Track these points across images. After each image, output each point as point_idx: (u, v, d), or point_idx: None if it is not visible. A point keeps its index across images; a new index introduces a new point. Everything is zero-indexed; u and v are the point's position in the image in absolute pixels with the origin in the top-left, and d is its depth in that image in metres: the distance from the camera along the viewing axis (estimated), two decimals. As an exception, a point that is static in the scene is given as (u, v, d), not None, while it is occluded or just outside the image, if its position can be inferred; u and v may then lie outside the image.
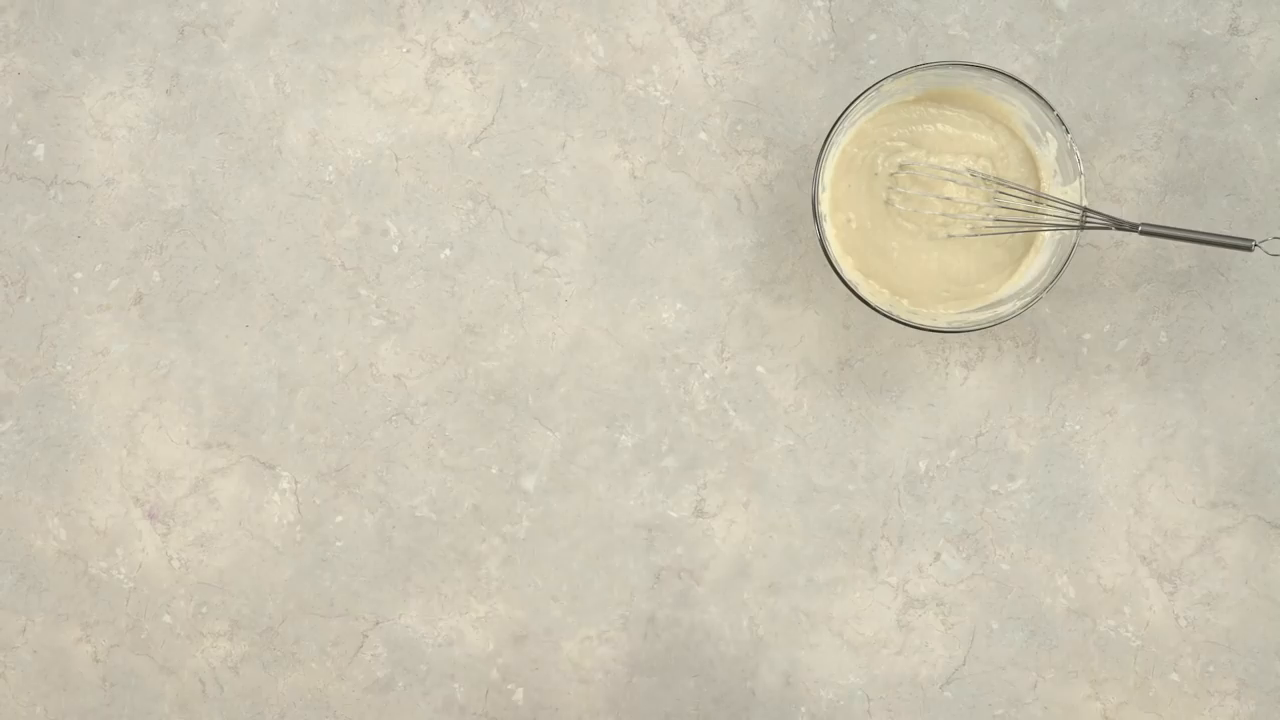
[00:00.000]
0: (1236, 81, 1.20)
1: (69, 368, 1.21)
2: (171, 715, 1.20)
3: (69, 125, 1.21)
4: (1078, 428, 1.20)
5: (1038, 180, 1.15)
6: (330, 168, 1.21)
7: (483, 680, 1.20)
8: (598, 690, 1.20)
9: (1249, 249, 1.13)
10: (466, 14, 1.21)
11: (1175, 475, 1.19)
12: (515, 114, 1.20)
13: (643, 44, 1.21)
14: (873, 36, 1.20)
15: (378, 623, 1.20)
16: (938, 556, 1.20)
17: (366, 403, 1.20)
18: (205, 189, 1.21)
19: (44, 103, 1.21)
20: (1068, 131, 1.11)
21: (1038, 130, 1.13)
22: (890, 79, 1.11)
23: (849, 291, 1.10)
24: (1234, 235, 1.15)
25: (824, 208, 1.13)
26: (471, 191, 1.20)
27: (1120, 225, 1.12)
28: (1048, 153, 1.14)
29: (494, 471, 1.20)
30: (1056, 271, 1.10)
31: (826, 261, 1.13)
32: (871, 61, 1.20)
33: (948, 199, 1.14)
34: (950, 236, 1.14)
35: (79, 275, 1.21)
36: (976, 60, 1.20)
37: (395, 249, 1.20)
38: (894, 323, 1.16)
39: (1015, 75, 1.14)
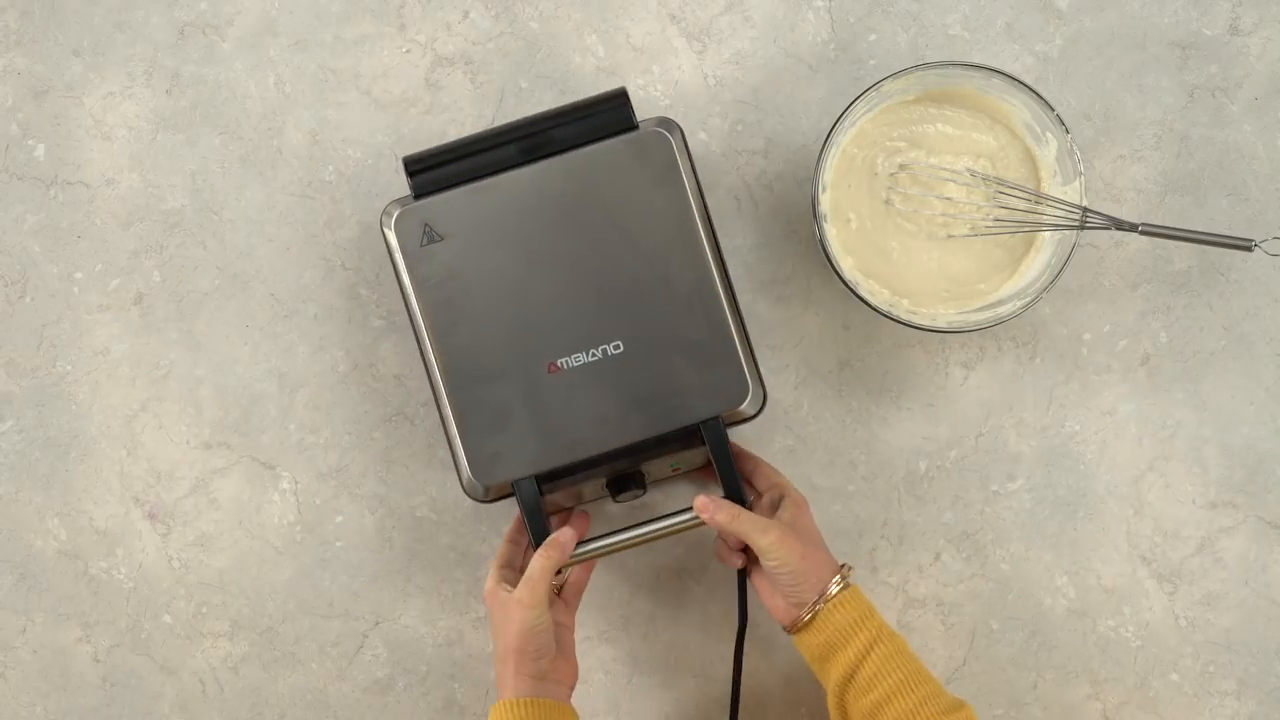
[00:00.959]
0: (1236, 81, 1.20)
1: (69, 368, 1.21)
2: (171, 715, 1.20)
3: (69, 125, 1.21)
4: (1078, 428, 1.20)
5: (1038, 180, 1.15)
6: (330, 168, 1.21)
7: (483, 680, 1.20)
8: (598, 690, 1.20)
9: (1249, 249, 1.13)
10: (466, 14, 1.21)
11: (1175, 475, 1.19)
12: (515, 114, 1.20)
13: (643, 44, 1.21)
14: (873, 36, 1.20)
15: (378, 623, 1.20)
16: (938, 556, 1.20)
17: (366, 403, 1.20)
18: (205, 189, 1.21)
19: (44, 103, 1.21)
20: (1068, 131, 1.11)
21: (1038, 130, 1.13)
22: (890, 79, 1.11)
23: (849, 291, 1.10)
24: (1234, 235, 1.15)
25: (824, 208, 1.13)
26: (471, 191, 1.20)
27: (1120, 225, 1.12)
28: (1048, 153, 1.14)
29: (494, 471, 1.20)
30: (1056, 271, 1.10)
31: (826, 261, 1.13)
32: (871, 61, 1.20)
33: (948, 199, 1.14)
34: (950, 236, 1.14)
35: (79, 275, 1.21)
36: (976, 60, 1.20)
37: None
38: (894, 323, 1.16)
39: (1015, 75, 1.14)
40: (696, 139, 1.20)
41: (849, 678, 1.03)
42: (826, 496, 1.20)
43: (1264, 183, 1.19)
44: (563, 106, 1.09)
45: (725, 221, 1.20)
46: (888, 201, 1.14)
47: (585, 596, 1.20)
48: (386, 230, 1.08)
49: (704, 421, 1.06)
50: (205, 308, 1.21)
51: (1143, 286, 1.20)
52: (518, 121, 1.10)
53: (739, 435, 1.18)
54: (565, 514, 1.15)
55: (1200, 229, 1.19)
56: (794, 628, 1.06)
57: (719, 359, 1.06)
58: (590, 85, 1.20)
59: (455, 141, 1.09)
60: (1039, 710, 1.19)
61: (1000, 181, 1.14)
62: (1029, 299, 1.11)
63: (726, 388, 1.07)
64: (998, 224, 1.14)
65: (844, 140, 1.14)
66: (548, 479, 1.07)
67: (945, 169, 1.14)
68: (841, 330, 1.20)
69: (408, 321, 1.20)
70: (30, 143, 1.21)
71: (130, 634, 1.20)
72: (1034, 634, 1.19)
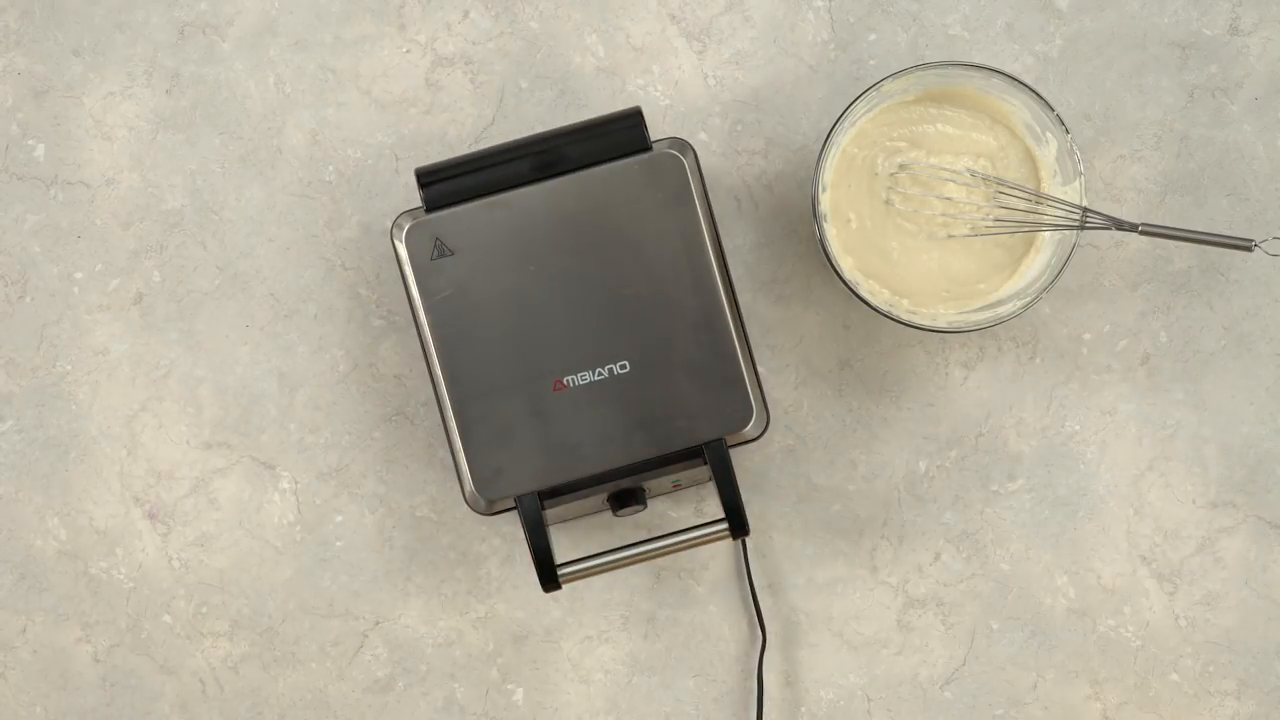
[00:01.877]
0: (1236, 81, 1.20)
1: (69, 368, 1.21)
2: (171, 715, 1.20)
3: (69, 125, 1.21)
4: (1078, 428, 1.20)
5: (1038, 180, 1.15)
6: (330, 168, 1.21)
7: (483, 680, 1.20)
8: (598, 690, 1.20)
9: (1249, 249, 1.13)
10: (466, 14, 1.21)
11: (1175, 475, 1.19)
12: (515, 114, 1.20)
13: (643, 44, 1.21)
14: (873, 36, 1.20)
15: (378, 623, 1.20)
16: (938, 556, 1.20)
17: (366, 402, 1.20)
18: (205, 189, 1.21)
19: (44, 103, 1.21)
20: (1068, 131, 1.11)
21: (1038, 130, 1.13)
22: (890, 79, 1.11)
23: (849, 291, 1.10)
24: (1234, 235, 1.15)
25: (824, 208, 1.13)
26: (471, 191, 1.20)
27: (1120, 225, 1.12)
28: (1048, 153, 1.14)
29: (494, 471, 1.20)
30: (1056, 271, 1.10)
31: (826, 261, 1.13)
32: (871, 61, 1.20)
33: (948, 199, 1.14)
34: (950, 236, 1.14)
35: (79, 275, 1.21)
36: (976, 60, 1.20)
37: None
38: (894, 323, 1.16)
39: (1015, 75, 1.14)
40: (696, 139, 1.20)
41: None
42: (826, 496, 1.20)
43: (1264, 183, 1.19)
44: (576, 124, 1.10)
45: (725, 222, 1.20)
46: (888, 201, 1.14)
47: (585, 596, 1.20)
48: (397, 242, 1.08)
49: (707, 443, 1.07)
50: (205, 307, 1.21)
51: (1143, 286, 1.20)
52: (531, 137, 1.10)
53: (742, 455, 1.18)
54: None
55: (1200, 229, 1.19)
56: None
57: (724, 382, 1.07)
58: (590, 85, 1.20)
59: (468, 155, 1.10)
60: (1039, 710, 1.19)
61: (1000, 181, 1.14)
62: (1029, 299, 1.11)
63: (731, 411, 1.07)
64: (998, 224, 1.14)
65: (844, 140, 1.14)
66: (550, 495, 1.08)
67: (945, 169, 1.14)
68: (841, 330, 1.20)
69: (407, 321, 1.20)
70: (30, 143, 1.21)
71: (130, 634, 1.20)
72: (1034, 634, 1.19)
